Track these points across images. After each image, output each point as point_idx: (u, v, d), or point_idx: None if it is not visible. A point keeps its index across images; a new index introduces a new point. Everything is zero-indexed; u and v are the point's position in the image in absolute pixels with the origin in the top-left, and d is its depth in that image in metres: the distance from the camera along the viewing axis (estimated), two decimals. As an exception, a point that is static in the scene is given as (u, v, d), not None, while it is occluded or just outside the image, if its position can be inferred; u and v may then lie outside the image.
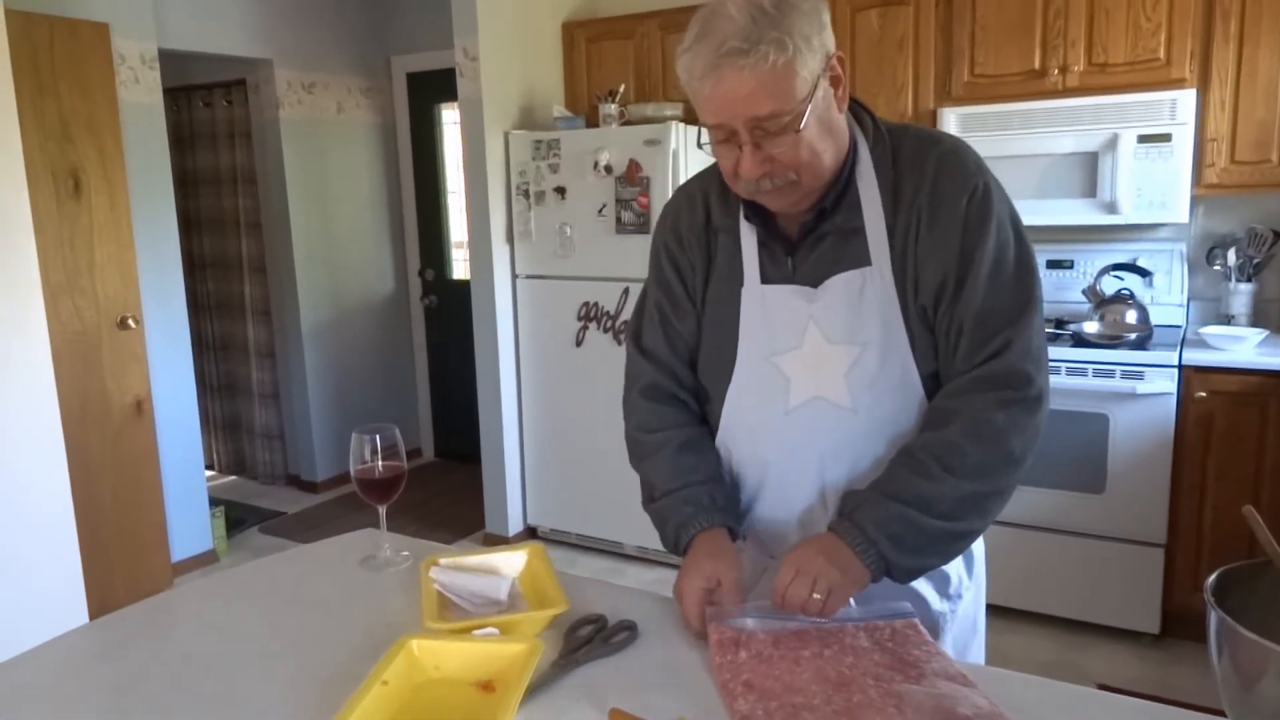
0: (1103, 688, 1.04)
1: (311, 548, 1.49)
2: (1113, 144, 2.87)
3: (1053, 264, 3.28)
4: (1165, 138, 2.81)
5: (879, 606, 1.13)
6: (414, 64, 4.79)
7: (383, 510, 1.38)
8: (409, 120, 4.90)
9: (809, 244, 1.19)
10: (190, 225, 4.77)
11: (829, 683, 0.99)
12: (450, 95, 4.03)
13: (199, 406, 3.91)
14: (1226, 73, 2.78)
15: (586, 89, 3.85)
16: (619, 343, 3.53)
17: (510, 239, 3.74)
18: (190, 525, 3.76)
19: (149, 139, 3.56)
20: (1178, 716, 0.95)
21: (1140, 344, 2.85)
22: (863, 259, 1.16)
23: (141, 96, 3.53)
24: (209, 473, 4.85)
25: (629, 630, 1.12)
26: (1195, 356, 2.73)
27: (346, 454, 1.39)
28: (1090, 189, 2.94)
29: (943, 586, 1.24)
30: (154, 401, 3.51)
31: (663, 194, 3.32)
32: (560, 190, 3.56)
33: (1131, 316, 2.92)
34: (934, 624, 1.22)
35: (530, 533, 3.96)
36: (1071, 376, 2.84)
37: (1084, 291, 3.14)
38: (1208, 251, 3.09)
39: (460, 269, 4.94)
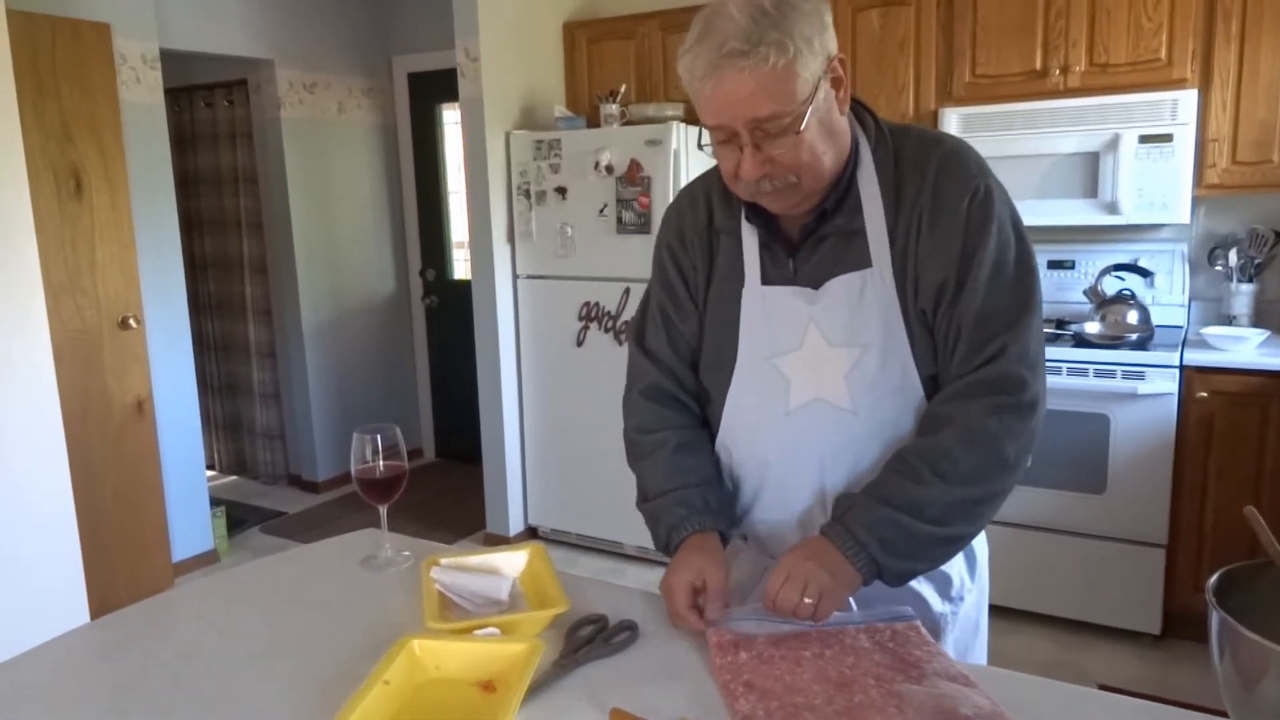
0: (1103, 688, 1.04)
1: (312, 548, 1.49)
2: (1114, 144, 2.87)
3: (1054, 264, 3.28)
4: (1166, 138, 2.81)
5: (880, 610, 1.14)
6: (415, 64, 4.79)
7: (384, 510, 1.38)
8: (410, 120, 4.90)
9: (810, 245, 1.19)
10: (191, 225, 4.78)
11: (830, 683, 0.99)
12: (451, 95, 4.03)
13: (200, 406, 3.92)
14: (1228, 73, 2.78)
15: (587, 89, 3.85)
16: (620, 343, 3.53)
17: (511, 239, 3.75)
18: (191, 525, 3.77)
19: (150, 139, 3.57)
20: (1179, 717, 0.95)
21: (1141, 344, 2.85)
22: (863, 261, 1.16)
23: (143, 96, 3.53)
24: (210, 473, 4.86)
25: (630, 630, 1.12)
26: (1196, 357, 2.73)
27: (347, 454, 1.39)
28: (1091, 189, 2.94)
29: (944, 588, 1.24)
30: (155, 401, 3.51)
31: (663, 194, 3.32)
32: (561, 190, 3.56)
33: (1133, 317, 2.92)
34: (935, 626, 1.22)
35: (531, 533, 3.96)
36: (1072, 377, 2.84)
37: (1085, 292, 3.14)
38: (1209, 252, 3.09)
39: (461, 269, 4.94)
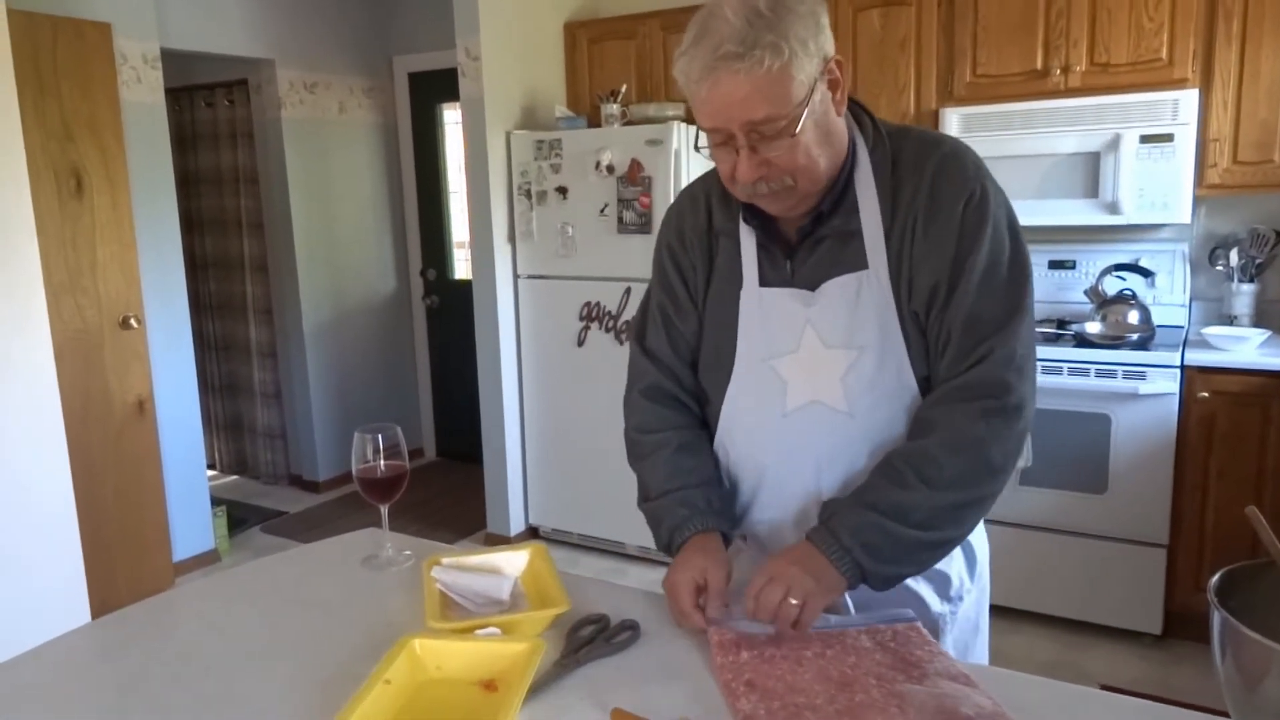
0: (1105, 688, 1.04)
1: (313, 547, 1.49)
2: (1115, 144, 2.87)
3: (1055, 264, 3.28)
4: (1167, 138, 2.81)
5: (880, 613, 1.14)
6: (416, 64, 4.79)
7: (385, 510, 1.39)
8: (411, 120, 4.90)
9: (807, 247, 1.19)
10: (192, 225, 4.78)
11: (831, 683, 0.99)
12: (452, 95, 4.03)
13: (201, 406, 3.92)
14: (1229, 73, 2.77)
15: (588, 89, 3.85)
16: (621, 342, 3.53)
17: (512, 239, 3.75)
18: (192, 525, 3.77)
19: (151, 139, 3.57)
20: (1180, 717, 0.94)
21: (1142, 344, 2.85)
22: (860, 263, 1.16)
23: (144, 96, 3.53)
24: (210, 472, 4.85)
25: (631, 630, 1.12)
26: (1197, 357, 2.73)
27: (348, 454, 1.39)
28: (1092, 189, 2.94)
29: (943, 589, 1.24)
30: (156, 401, 3.52)
31: (664, 194, 3.32)
32: (562, 190, 3.56)
33: (1133, 317, 2.92)
34: (934, 625, 1.22)
35: (532, 533, 3.96)
36: (1073, 377, 2.83)
37: (1086, 292, 3.14)
38: (1210, 252, 3.09)
39: (462, 269, 4.94)
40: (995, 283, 1.12)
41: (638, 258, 3.40)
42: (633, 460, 1.33)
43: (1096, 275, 3.12)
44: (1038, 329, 3.04)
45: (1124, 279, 3.08)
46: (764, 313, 1.21)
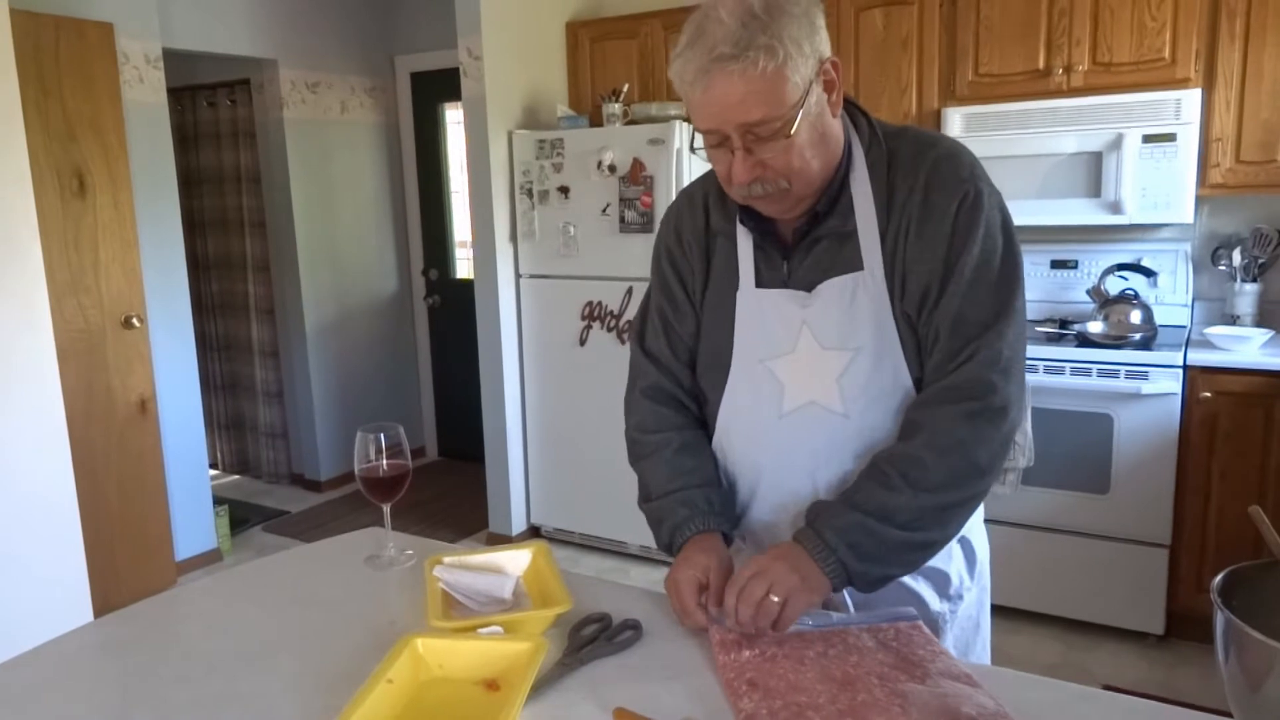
0: (1107, 688, 1.04)
1: (315, 546, 1.49)
2: (1117, 144, 2.87)
3: (1057, 264, 3.28)
4: (1170, 137, 2.81)
5: (882, 611, 1.14)
6: (418, 63, 4.79)
7: (387, 509, 1.39)
8: (413, 120, 4.90)
9: (803, 248, 1.19)
10: (194, 225, 4.78)
11: (833, 682, 0.99)
12: (454, 95, 4.03)
13: (203, 406, 3.92)
14: (1232, 72, 2.77)
15: (590, 88, 3.85)
16: (622, 342, 3.53)
17: (514, 238, 3.75)
18: (194, 524, 3.77)
19: (153, 139, 3.57)
20: (1183, 717, 0.94)
21: (1145, 344, 2.85)
22: (856, 263, 1.16)
23: (146, 96, 3.53)
24: (213, 472, 4.85)
25: (633, 629, 1.12)
26: (1200, 357, 2.73)
27: (350, 453, 1.39)
28: (1095, 189, 2.93)
29: (942, 587, 1.24)
30: (158, 400, 3.52)
31: (666, 193, 3.32)
32: (564, 190, 3.56)
33: (1136, 317, 2.92)
34: (933, 624, 1.22)
35: (534, 532, 3.96)
36: (1076, 377, 2.83)
37: (1088, 292, 3.13)
38: (1212, 252, 3.09)
39: (464, 268, 4.94)
40: (985, 284, 1.12)
41: (639, 257, 3.40)
42: (633, 460, 1.33)
43: (1099, 275, 3.12)
44: (1039, 329, 3.06)
45: (1126, 279, 3.08)
46: (760, 314, 1.21)
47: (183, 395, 3.73)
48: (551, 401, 3.78)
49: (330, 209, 4.62)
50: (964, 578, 1.26)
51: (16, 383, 2.42)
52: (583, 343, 3.65)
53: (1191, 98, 2.78)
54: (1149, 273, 3.06)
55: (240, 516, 4.28)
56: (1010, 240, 1.14)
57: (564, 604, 1.13)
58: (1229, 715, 0.83)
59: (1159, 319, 2.99)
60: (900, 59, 3.20)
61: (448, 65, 4.42)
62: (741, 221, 1.22)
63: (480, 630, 1.08)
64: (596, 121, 3.63)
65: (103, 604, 2.65)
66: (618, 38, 3.78)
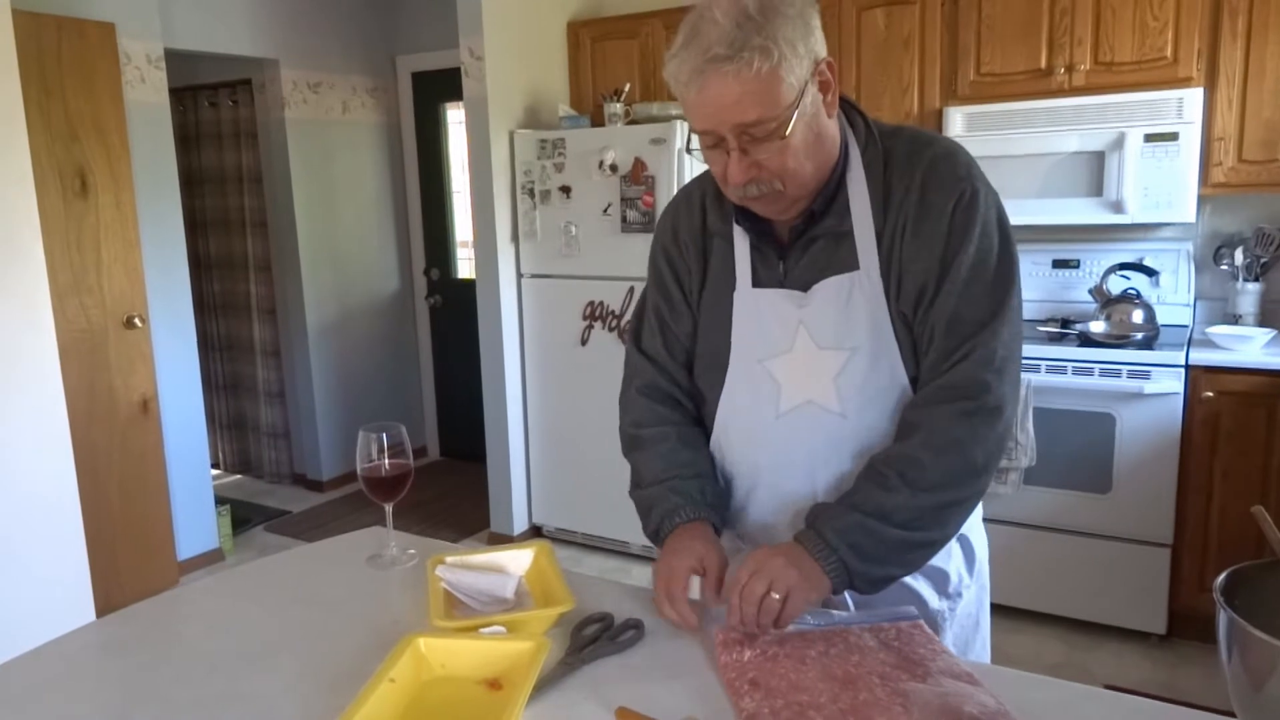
0: (1109, 688, 1.04)
1: (317, 546, 1.49)
2: (1119, 143, 2.87)
3: (1059, 263, 3.28)
4: (1172, 137, 2.80)
5: (883, 611, 1.14)
6: (419, 63, 4.79)
7: (389, 508, 1.39)
8: (414, 120, 4.90)
9: (800, 247, 1.19)
10: (196, 225, 4.78)
11: (835, 681, 0.99)
12: (455, 95, 4.03)
13: (205, 405, 3.92)
14: (1234, 71, 2.77)
15: (592, 88, 3.85)
16: (624, 341, 3.53)
17: (515, 238, 3.75)
18: (196, 523, 3.77)
19: (155, 139, 3.57)
20: (1186, 717, 0.94)
21: (1147, 344, 2.85)
22: (852, 263, 1.16)
23: (148, 96, 3.54)
24: (215, 471, 4.85)
25: (635, 629, 1.12)
26: (1202, 356, 2.72)
27: (352, 453, 1.39)
28: (1096, 188, 2.93)
29: (941, 585, 1.24)
30: (160, 400, 3.52)
31: (668, 193, 3.32)
32: (565, 189, 3.56)
33: (1138, 316, 2.91)
34: (932, 622, 1.22)
35: (535, 532, 3.96)
36: (1078, 376, 2.83)
37: (1090, 291, 3.13)
38: (1215, 251, 3.08)
39: (465, 268, 4.94)
40: (981, 283, 1.12)
41: (641, 257, 3.36)
42: (627, 452, 1.34)
43: (1101, 274, 3.11)
44: (1041, 328, 3.05)
45: (1128, 278, 3.07)
46: (758, 313, 1.21)
47: (185, 395, 3.74)
48: (553, 401, 3.78)
49: (332, 209, 4.62)
50: (963, 576, 1.27)
51: (19, 383, 2.42)
52: (584, 342, 3.65)
53: (1193, 97, 2.78)
54: (1151, 272, 3.06)
55: (242, 516, 4.28)
56: (1006, 239, 1.14)
57: (566, 603, 1.13)
58: (1232, 715, 0.83)
59: (1161, 318, 2.98)
60: (902, 58, 3.20)
61: (449, 65, 4.42)
62: (738, 222, 1.22)
63: (482, 630, 1.08)
64: (598, 121, 3.63)
65: (104, 604, 2.65)
66: (619, 37, 3.78)
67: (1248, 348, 2.75)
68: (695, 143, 1.14)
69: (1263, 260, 2.99)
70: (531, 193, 3.65)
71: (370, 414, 4.75)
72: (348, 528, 1.56)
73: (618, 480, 3.74)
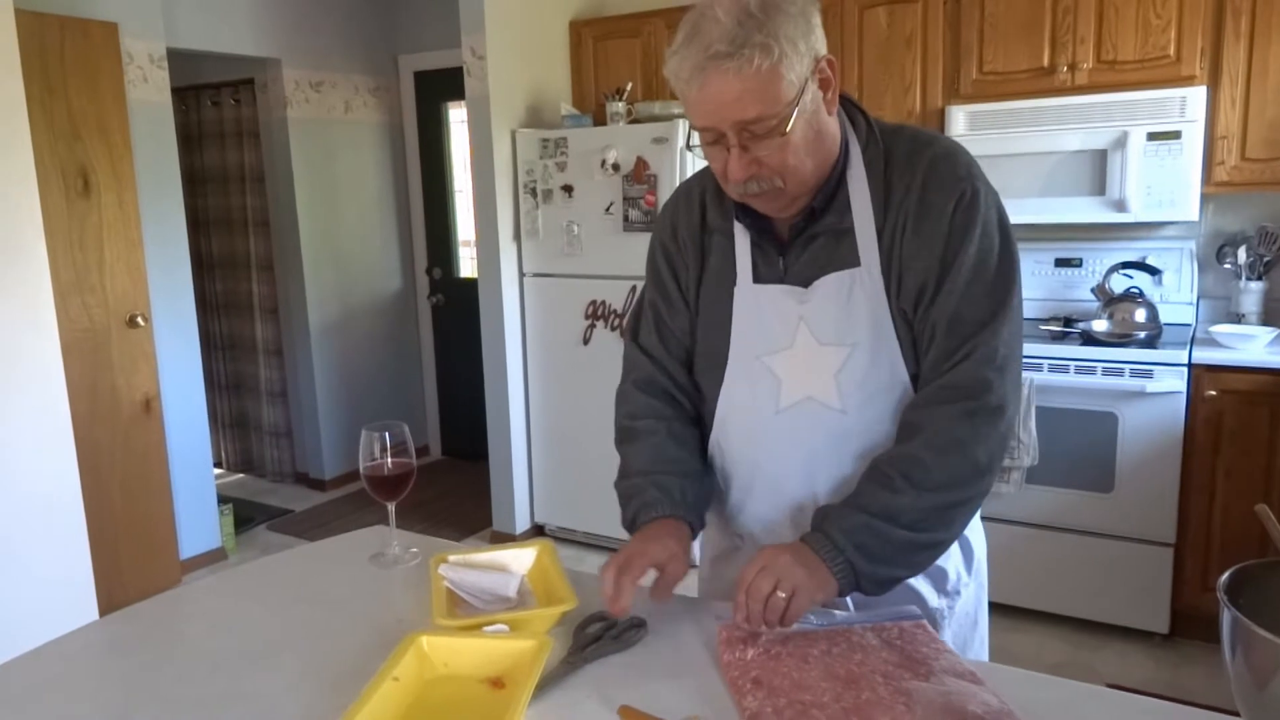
0: (1112, 687, 1.04)
1: (320, 545, 1.50)
2: (1122, 141, 2.86)
3: (1061, 262, 3.27)
4: (1175, 135, 2.80)
5: (885, 610, 1.14)
6: (421, 63, 4.79)
7: (391, 507, 1.39)
8: (416, 119, 4.91)
9: (800, 244, 1.20)
10: (198, 224, 4.79)
11: (837, 680, 0.99)
12: (458, 94, 4.03)
13: (207, 404, 3.93)
14: (1237, 70, 2.76)
15: (594, 87, 3.85)
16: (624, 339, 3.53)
17: (517, 237, 3.75)
18: (199, 523, 3.78)
19: (158, 138, 3.58)
20: (1189, 716, 0.94)
21: (1149, 342, 2.84)
22: (852, 260, 1.16)
23: (150, 96, 3.54)
24: (217, 470, 4.86)
25: (638, 627, 1.12)
26: (1205, 355, 2.72)
27: (354, 452, 1.40)
28: (1099, 187, 2.93)
29: (940, 583, 1.25)
30: (163, 399, 3.53)
31: (670, 192, 3.28)
32: (567, 188, 3.56)
33: (1141, 315, 2.91)
34: (931, 620, 1.22)
35: (537, 531, 3.96)
36: (1080, 375, 2.83)
37: (1093, 290, 3.13)
38: (1218, 249, 3.08)
39: (468, 267, 4.94)
40: (981, 282, 1.12)
41: (643, 256, 3.35)
42: (619, 444, 1.35)
43: (1103, 273, 3.11)
44: (1044, 327, 3.05)
45: (1131, 277, 3.07)
46: (758, 309, 1.21)
47: (187, 394, 3.74)
48: (555, 400, 3.78)
49: (334, 208, 4.62)
50: (961, 574, 1.27)
51: (21, 382, 2.42)
52: (586, 341, 3.65)
53: (1196, 95, 2.77)
54: (1154, 271, 3.06)
55: (245, 515, 4.29)
56: (1007, 239, 1.14)
57: (569, 602, 1.13)
58: (1235, 714, 0.83)
59: (1164, 317, 2.98)
60: (904, 57, 3.19)
61: (451, 64, 4.42)
62: (738, 218, 1.22)
63: (485, 628, 1.08)
64: (600, 120, 3.63)
65: (107, 603, 2.65)
66: (621, 36, 3.78)
67: (1251, 346, 2.74)
68: (696, 139, 1.14)
69: (1266, 259, 2.99)
70: (534, 192, 3.65)
71: (372, 413, 4.76)
72: (350, 527, 1.57)
73: (620, 479, 3.72)
